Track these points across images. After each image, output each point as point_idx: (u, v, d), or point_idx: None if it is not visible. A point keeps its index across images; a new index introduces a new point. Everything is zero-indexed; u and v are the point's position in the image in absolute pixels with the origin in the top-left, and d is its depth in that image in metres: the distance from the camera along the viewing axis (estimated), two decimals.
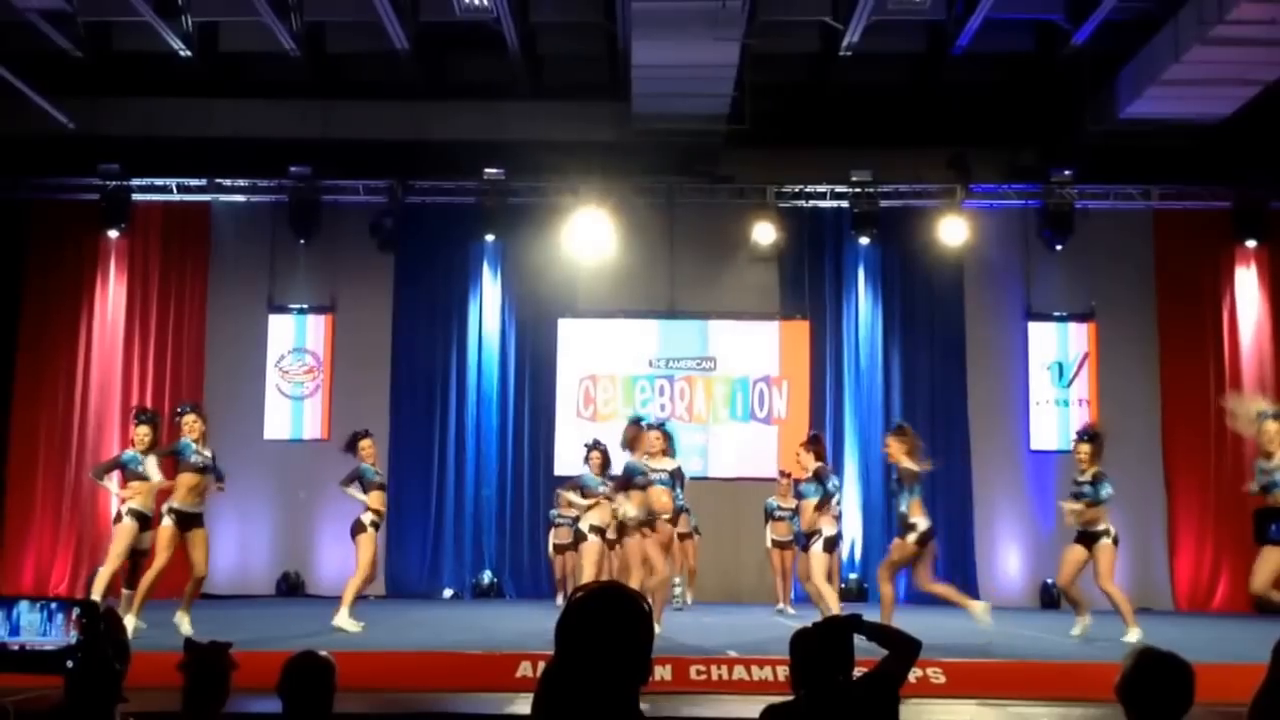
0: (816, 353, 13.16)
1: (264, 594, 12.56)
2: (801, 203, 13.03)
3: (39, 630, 2.68)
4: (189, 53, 11.56)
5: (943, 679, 6.55)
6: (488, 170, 12.55)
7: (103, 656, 2.44)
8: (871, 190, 12.69)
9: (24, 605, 2.67)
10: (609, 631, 1.99)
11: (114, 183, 12.56)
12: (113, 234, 12.77)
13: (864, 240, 12.84)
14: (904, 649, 3.60)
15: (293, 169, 12.55)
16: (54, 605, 2.55)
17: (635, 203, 12.79)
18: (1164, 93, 11.26)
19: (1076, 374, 13.21)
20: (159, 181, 12.80)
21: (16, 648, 2.67)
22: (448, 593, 12.63)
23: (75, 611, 2.54)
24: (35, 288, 12.91)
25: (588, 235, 12.49)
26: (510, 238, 12.97)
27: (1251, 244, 12.90)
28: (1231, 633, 9.26)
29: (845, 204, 12.86)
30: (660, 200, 12.93)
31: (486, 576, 12.83)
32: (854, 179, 12.64)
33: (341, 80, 12.65)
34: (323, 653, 3.40)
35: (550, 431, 13.06)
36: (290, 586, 12.71)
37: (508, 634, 8.28)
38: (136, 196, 12.76)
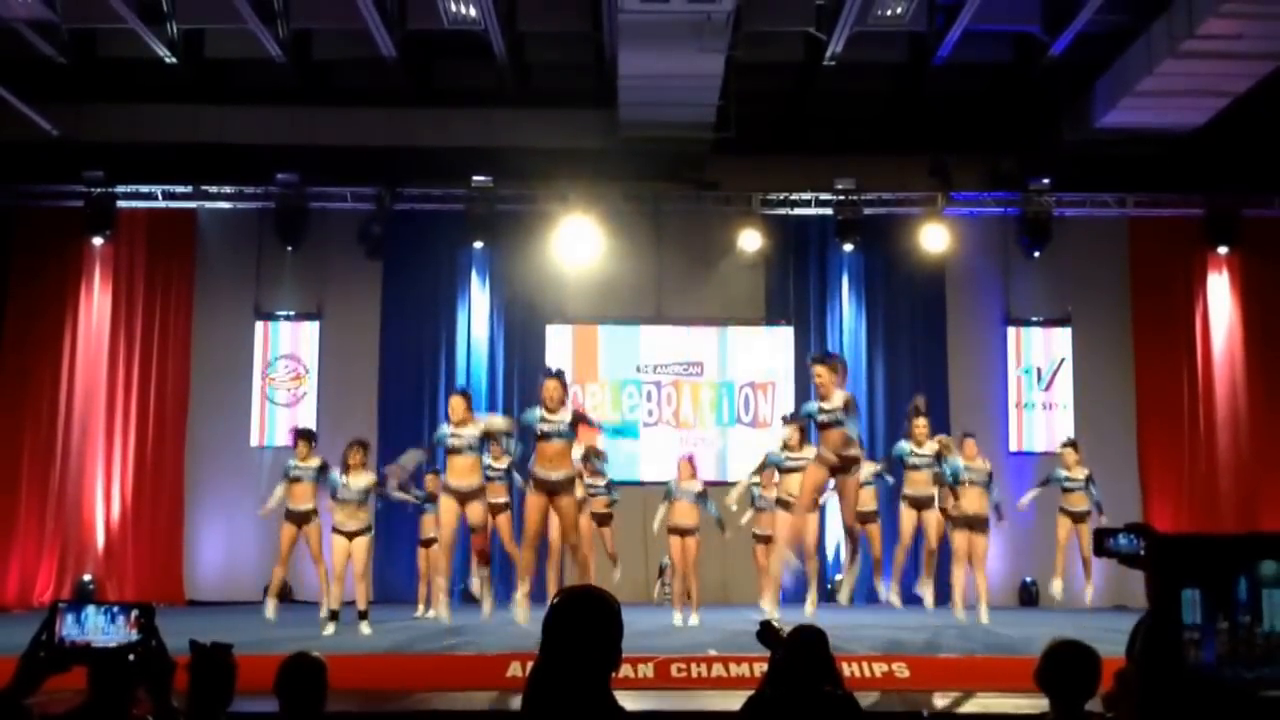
0: (801, 358, 13.30)
1: (252, 600, 12.52)
2: (786, 210, 13.18)
3: (103, 630, 2.95)
4: (174, 59, 11.56)
5: (907, 674, 7.05)
6: (475, 178, 12.62)
7: (160, 650, 2.72)
8: (855, 198, 12.86)
9: (90, 609, 2.97)
10: (583, 627, 2.29)
11: (98, 189, 12.50)
12: (97, 241, 12.71)
13: (848, 247, 13.01)
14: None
15: (279, 176, 12.56)
16: (116, 609, 2.88)
17: (622, 209, 12.90)
18: (1138, 103, 11.53)
19: (1053, 378, 13.45)
20: (144, 188, 12.76)
21: (84, 644, 2.92)
22: None
23: (134, 613, 2.85)
24: (18, 295, 12.80)
25: (575, 242, 12.59)
26: (498, 244, 13.04)
27: (1223, 250, 13.18)
28: None
29: (829, 211, 13.01)
30: (647, 207, 13.05)
31: (475, 582, 12.85)
32: (838, 187, 12.81)
33: (328, 86, 12.62)
34: (315, 654, 3.55)
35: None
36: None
37: (497, 636, 8.46)
38: (121, 203, 12.70)
